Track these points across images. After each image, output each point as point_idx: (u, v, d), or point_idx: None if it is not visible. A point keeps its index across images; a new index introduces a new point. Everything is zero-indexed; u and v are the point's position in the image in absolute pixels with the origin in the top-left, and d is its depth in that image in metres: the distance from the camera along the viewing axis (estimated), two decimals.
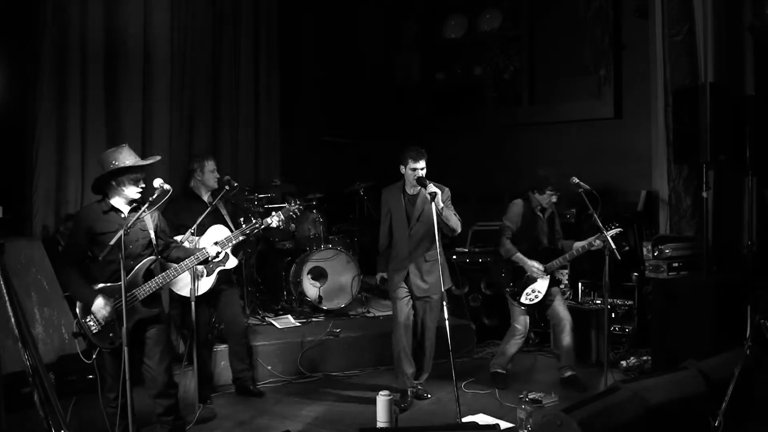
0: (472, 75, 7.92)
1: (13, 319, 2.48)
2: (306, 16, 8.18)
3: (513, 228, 4.88)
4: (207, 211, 4.44)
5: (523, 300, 4.84)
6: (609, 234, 4.45)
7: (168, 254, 3.80)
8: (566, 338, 4.83)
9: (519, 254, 4.84)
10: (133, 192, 3.55)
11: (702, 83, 5.05)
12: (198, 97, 6.81)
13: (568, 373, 4.85)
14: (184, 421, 3.89)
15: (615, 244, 4.39)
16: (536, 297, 4.82)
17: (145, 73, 6.23)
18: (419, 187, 4.41)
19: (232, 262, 4.54)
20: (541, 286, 4.83)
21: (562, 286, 5.71)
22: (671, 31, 5.56)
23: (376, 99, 8.34)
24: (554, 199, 4.90)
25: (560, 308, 4.89)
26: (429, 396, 4.70)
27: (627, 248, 5.15)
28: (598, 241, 4.59)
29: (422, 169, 4.39)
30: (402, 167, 4.48)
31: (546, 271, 4.82)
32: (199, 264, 3.88)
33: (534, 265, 4.82)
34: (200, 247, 4.04)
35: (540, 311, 5.14)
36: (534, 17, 7.43)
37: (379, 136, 7.97)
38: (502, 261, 4.96)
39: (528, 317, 4.96)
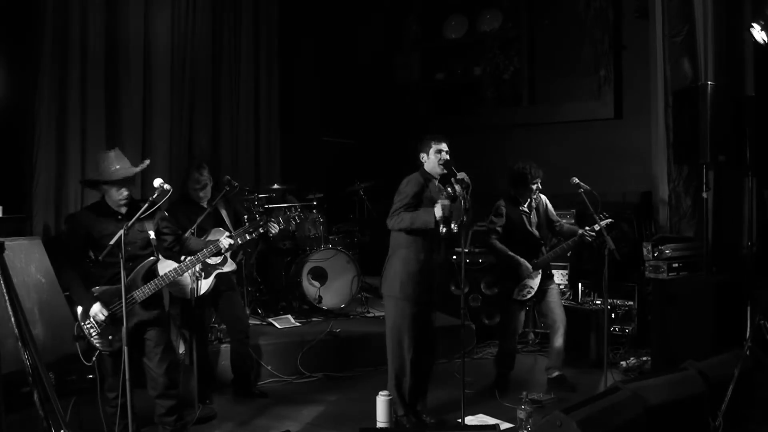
0: (471, 75, 7.92)
1: (13, 319, 2.48)
2: (306, 16, 8.17)
3: (499, 228, 4.80)
4: (205, 213, 4.43)
5: (515, 296, 4.80)
6: (599, 225, 4.51)
7: (182, 245, 3.81)
8: (558, 340, 4.81)
9: (509, 252, 4.73)
10: (117, 197, 3.55)
11: (702, 84, 5.04)
12: (198, 97, 6.81)
13: (556, 374, 4.85)
14: (186, 421, 3.89)
15: (605, 234, 4.42)
16: (528, 293, 4.78)
17: (145, 73, 6.23)
18: (438, 180, 4.05)
19: (230, 266, 4.53)
20: (533, 282, 4.79)
21: (561, 286, 5.73)
22: (671, 32, 5.56)
23: (376, 99, 8.33)
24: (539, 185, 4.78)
25: (556, 308, 4.85)
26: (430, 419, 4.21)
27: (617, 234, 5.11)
28: (591, 232, 4.62)
29: (447, 152, 4.01)
30: (423, 155, 4.04)
31: (536, 268, 4.76)
32: (213, 256, 3.86)
33: (524, 264, 4.71)
34: (212, 239, 4.03)
35: (536, 307, 5.12)
36: (534, 17, 7.43)
37: (379, 136, 7.97)
38: (498, 260, 4.92)
39: (523, 314, 4.96)
